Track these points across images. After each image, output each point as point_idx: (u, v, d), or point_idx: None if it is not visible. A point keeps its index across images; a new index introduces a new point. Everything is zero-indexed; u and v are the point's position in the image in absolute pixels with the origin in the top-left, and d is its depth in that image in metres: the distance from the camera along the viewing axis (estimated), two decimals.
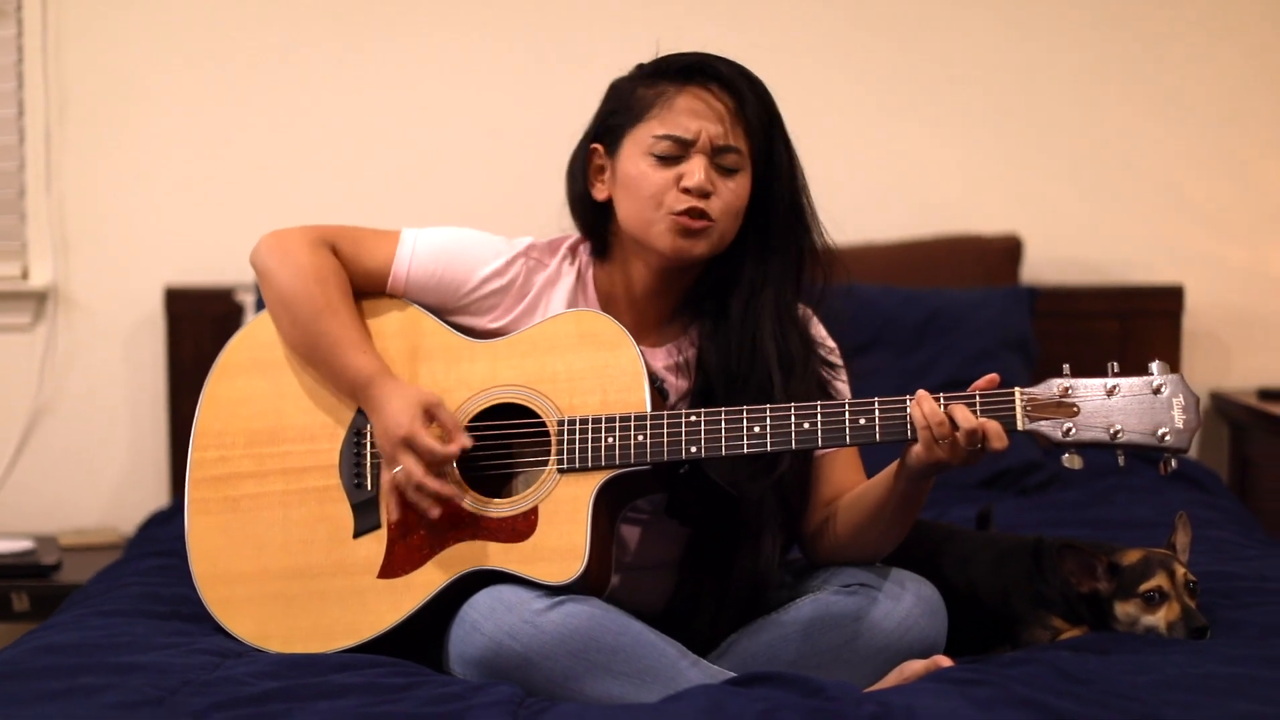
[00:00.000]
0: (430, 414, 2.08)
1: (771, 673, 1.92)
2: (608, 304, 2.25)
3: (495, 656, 1.97)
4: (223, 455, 2.24)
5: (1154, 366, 1.97)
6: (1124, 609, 2.11)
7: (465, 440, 2.08)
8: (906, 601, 2.09)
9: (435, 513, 2.06)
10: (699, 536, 2.20)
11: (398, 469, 2.07)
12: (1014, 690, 1.74)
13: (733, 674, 2.00)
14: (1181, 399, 1.94)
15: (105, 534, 3.53)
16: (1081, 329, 3.66)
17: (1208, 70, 3.79)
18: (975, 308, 3.41)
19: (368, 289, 2.25)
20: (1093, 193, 3.78)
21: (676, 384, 2.22)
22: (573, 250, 2.28)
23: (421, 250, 2.23)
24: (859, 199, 3.70)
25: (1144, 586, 2.10)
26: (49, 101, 3.70)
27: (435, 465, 2.06)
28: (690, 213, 2.11)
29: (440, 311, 2.24)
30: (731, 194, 2.13)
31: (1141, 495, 3.02)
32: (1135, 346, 3.64)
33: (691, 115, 2.12)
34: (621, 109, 2.18)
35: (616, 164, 2.17)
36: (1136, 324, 3.68)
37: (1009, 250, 3.63)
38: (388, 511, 2.11)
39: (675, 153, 2.12)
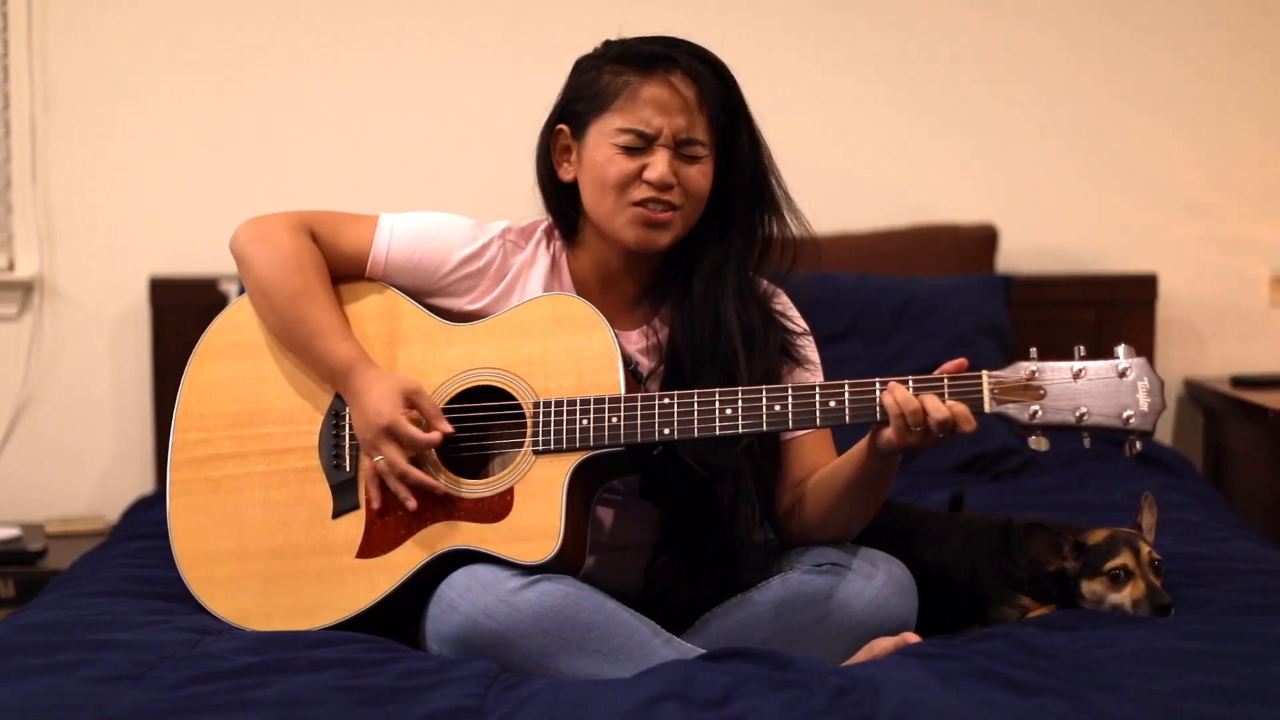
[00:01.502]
0: (411, 401, 2.11)
1: (743, 648, 1.95)
2: (581, 286, 2.28)
3: (471, 634, 2.00)
4: (204, 438, 2.26)
5: (1120, 350, 2.01)
6: (1090, 587, 2.15)
7: (445, 427, 2.11)
8: (878, 581, 2.12)
9: (413, 503, 2.10)
10: (674, 517, 2.24)
11: (379, 457, 2.11)
12: (977, 663, 1.78)
13: (704, 651, 2.03)
14: (1146, 382, 1.97)
15: (91, 521, 3.56)
16: (1057, 317, 3.68)
17: (1185, 59, 3.82)
18: (950, 295, 3.43)
19: (346, 273, 2.28)
20: (1068, 182, 3.81)
21: (649, 365, 2.25)
22: (548, 234, 2.32)
23: (399, 234, 2.26)
24: (835, 188, 3.71)
25: (1109, 565, 2.13)
26: (34, 94, 3.71)
27: (416, 452, 2.10)
28: (652, 203, 2.15)
29: (418, 294, 2.27)
30: (694, 181, 2.18)
31: (1115, 481, 3.06)
32: (1111, 335, 3.65)
33: (655, 108, 2.16)
34: (587, 96, 2.21)
35: (582, 150, 2.21)
36: (1112, 312, 3.71)
37: (984, 239, 3.65)
38: (367, 496, 2.15)
39: (639, 145, 2.16)
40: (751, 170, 2.22)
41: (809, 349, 2.31)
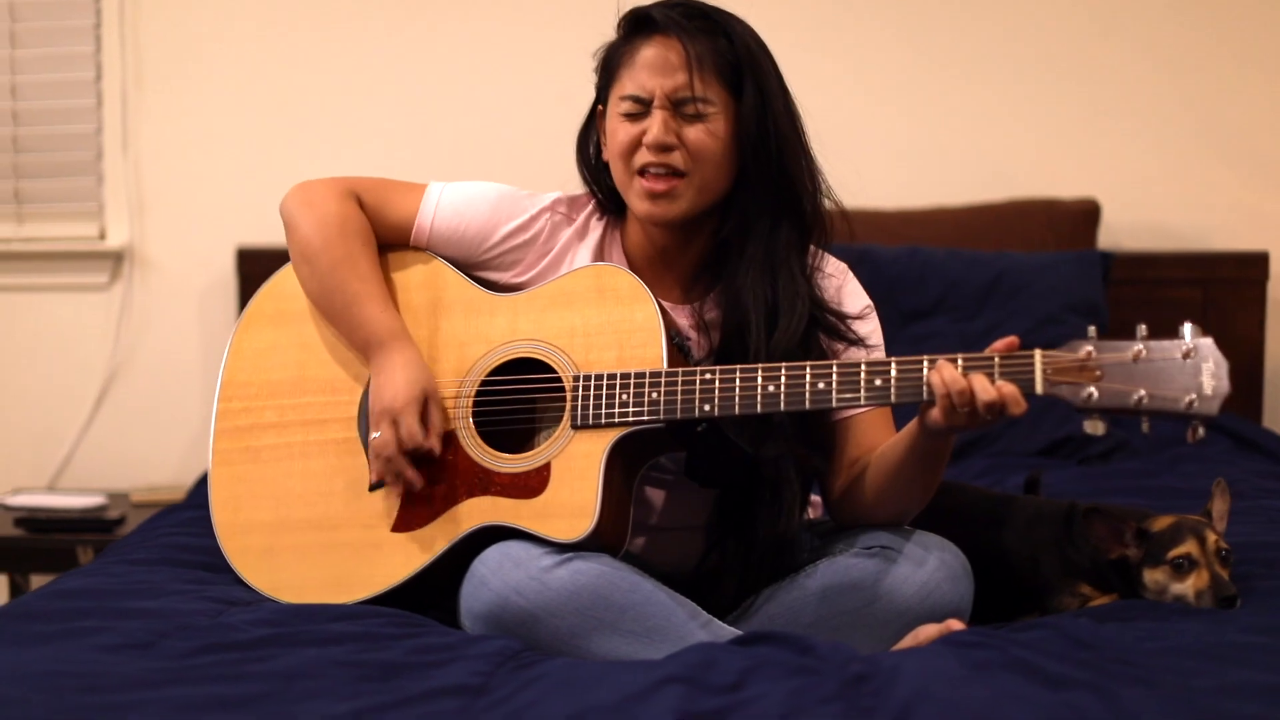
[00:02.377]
0: (427, 404, 2.09)
1: (774, 633, 1.88)
2: (634, 260, 2.22)
3: (502, 612, 1.96)
4: (246, 406, 2.25)
5: (1185, 329, 1.89)
6: (1152, 576, 2.04)
7: (438, 446, 2.08)
8: (929, 566, 2.04)
9: (396, 490, 2.08)
10: (725, 498, 2.17)
11: (376, 434, 2.08)
12: (1013, 654, 1.69)
13: (740, 634, 1.97)
14: (1211, 364, 1.85)
15: (175, 490, 3.58)
16: (1160, 296, 3.54)
17: None
18: (1042, 272, 3.32)
19: (393, 241, 2.25)
20: (1175, 156, 3.67)
21: (700, 342, 2.18)
22: (602, 207, 2.26)
23: (446, 204, 2.22)
24: (930, 162, 3.64)
25: (1173, 553, 2.02)
26: (125, 65, 3.76)
27: (409, 449, 2.07)
28: (651, 168, 2.09)
29: (464, 265, 2.23)
30: (699, 140, 2.09)
31: (1208, 466, 2.92)
32: (1217, 315, 3.52)
33: (649, 71, 2.09)
34: (604, 70, 2.18)
35: (605, 125, 2.17)
36: (1219, 292, 3.56)
37: (1085, 214, 3.53)
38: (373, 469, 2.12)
39: (638, 110, 2.10)
40: (757, 135, 2.11)
41: (865, 327, 2.21)
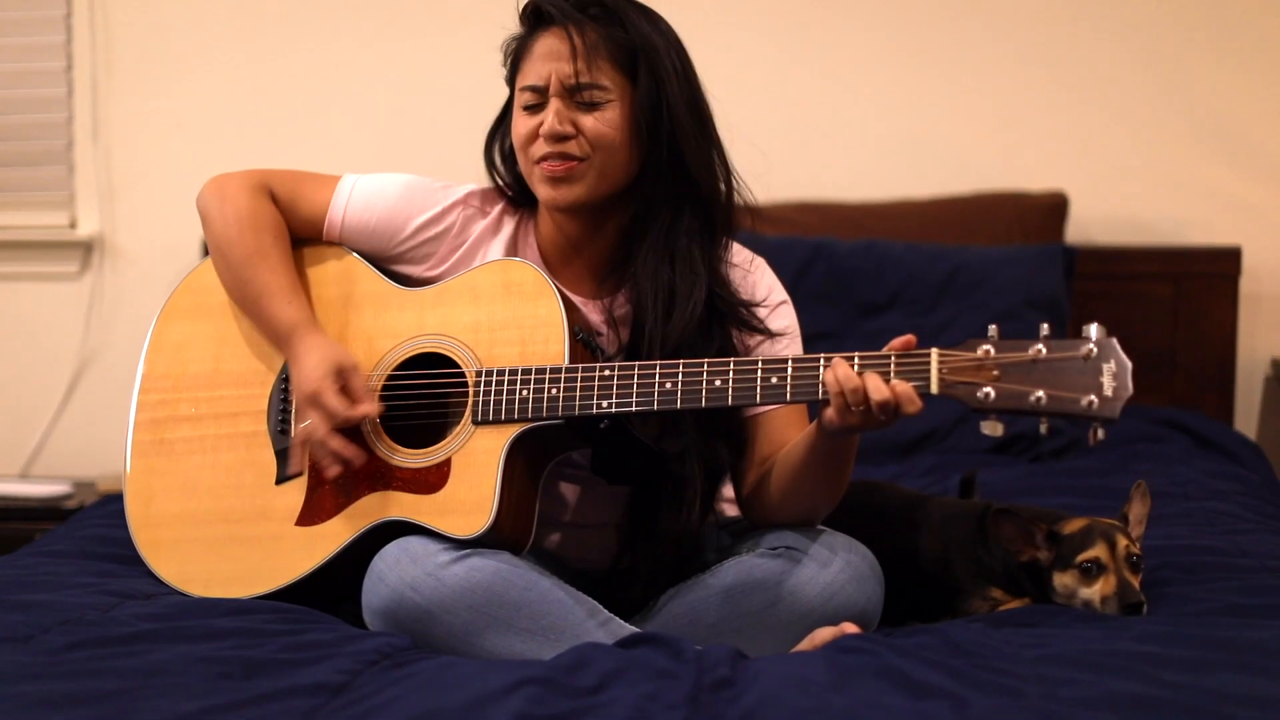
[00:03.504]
0: (342, 376, 2.06)
1: (656, 635, 1.86)
2: (545, 256, 2.21)
3: (397, 608, 1.94)
4: (163, 399, 2.24)
5: (1090, 330, 1.84)
6: (1062, 580, 2.01)
7: (371, 408, 2.06)
8: (834, 568, 2.01)
9: (333, 471, 2.05)
10: (636, 496, 2.15)
11: (307, 422, 2.06)
12: (886, 660, 1.65)
13: (638, 632, 1.95)
14: (1113, 365, 1.80)
15: None
16: (1131, 291, 3.49)
17: (1276, 8, 3.56)
18: (1002, 266, 3.27)
19: (305, 235, 2.24)
20: (1147, 148, 3.60)
21: (610, 338, 2.16)
22: (512, 204, 2.24)
23: (357, 198, 2.21)
24: (896, 154, 3.59)
25: (1081, 557, 1.99)
26: (96, 55, 3.78)
27: (339, 425, 2.05)
28: (549, 157, 2.08)
29: (378, 258, 2.22)
30: (593, 128, 2.08)
31: (1163, 465, 2.88)
32: (1189, 310, 3.48)
33: (542, 61, 2.09)
34: (510, 63, 2.18)
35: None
36: (1190, 286, 3.50)
37: (1053, 208, 3.47)
38: (298, 461, 2.11)
39: (536, 102, 2.10)
40: (650, 121, 2.08)
41: (778, 321, 2.18)
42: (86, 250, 3.79)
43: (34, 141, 3.81)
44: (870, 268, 3.27)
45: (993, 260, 3.28)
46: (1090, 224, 3.57)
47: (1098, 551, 1.98)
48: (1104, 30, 3.60)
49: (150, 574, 2.15)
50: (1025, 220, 3.44)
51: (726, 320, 2.12)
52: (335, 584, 2.09)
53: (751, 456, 2.15)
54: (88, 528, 2.45)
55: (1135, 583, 1.97)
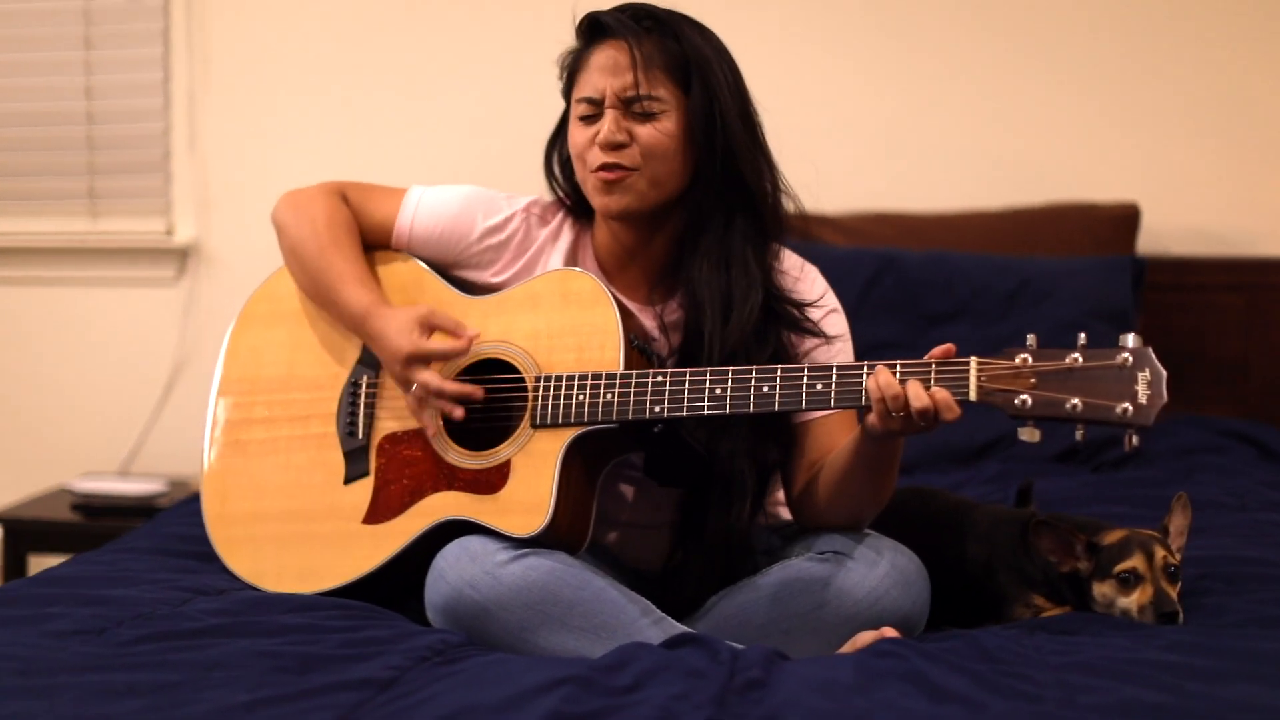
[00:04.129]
0: (427, 324, 2.15)
1: (700, 635, 1.92)
2: (602, 263, 2.28)
3: (456, 605, 2.01)
4: (239, 401, 2.35)
5: (1127, 339, 1.89)
6: (1101, 590, 2.04)
7: (471, 332, 2.15)
8: (879, 571, 2.05)
9: (459, 413, 2.11)
10: (688, 498, 2.21)
11: (414, 388, 2.14)
12: (913, 664, 1.70)
13: (688, 632, 2.00)
14: (1148, 373, 1.85)
15: None
16: (1203, 302, 3.48)
17: None
18: (1069, 277, 3.28)
19: (375, 243, 2.34)
20: (1220, 158, 3.59)
21: (664, 344, 2.23)
22: (571, 213, 2.32)
23: (425, 207, 2.30)
24: (969, 166, 3.61)
25: (1119, 567, 2.02)
26: (193, 67, 3.90)
27: (454, 355, 2.14)
28: (604, 166, 2.14)
29: (445, 266, 2.31)
30: (649, 137, 2.14)
31: (1224, 475, 2.88)
32: (1260, 322, 3.46)
33: (600, 73, 2.16)
34: (566, 76, 2.25)
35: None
36: (1263, 298, 3.48)
37: (1124, 219, 3.47)
38: (377, 463, 2.19)
39: (592, 113, 2.17)
40: (705, 131, 2.15)
41: (830, 326, 2.24)
42: (182, 257, 3.93)
43: (133, 151, 3.95)
44: (939, 279, 3.30)
45: (1061, 272, 3.30)
46: (1163, 235, 3.57)
47: (1135, 562, 2.01)
48: (1178, 42, 3.60)
49: (225, 570, 2.25)
50: (1095, 231, 3.44)
51: (782, 323, 2.18)
52: (402, 580, 2.17)
53: (801, 460, 2.20)
54: (170, 525, 2.55)
55: (1172, 593, 2.00)
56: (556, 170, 2.30)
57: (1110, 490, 2.80)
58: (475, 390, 2.12)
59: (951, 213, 3.56)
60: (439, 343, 2.14)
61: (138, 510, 3.49)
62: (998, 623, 2.12)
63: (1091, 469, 3.05)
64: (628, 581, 2.23)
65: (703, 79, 2.15)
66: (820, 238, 3.50)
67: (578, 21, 2.22)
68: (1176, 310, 3.41)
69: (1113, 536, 2.06)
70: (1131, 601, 2.00)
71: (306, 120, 3.91)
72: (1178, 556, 2.06)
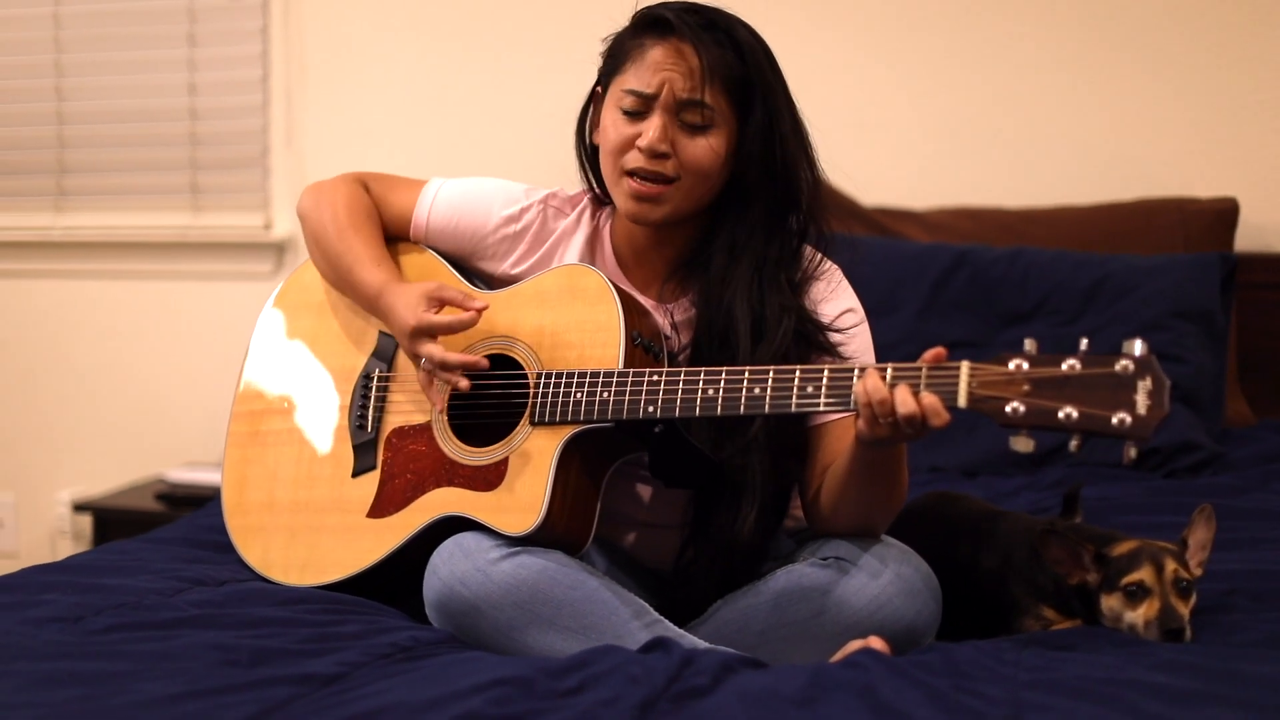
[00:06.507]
0: (436, 298, 2.14)
1: (676, 640, 1.88)
2: (619, 257, 2.25)
3: (448, 601, 2.00)
4: (261, 392, 2.37)
5: (1134, 345, 1.75)
6: (1108, 602, 1.95)
7: (480, 303, 2.13)
8: (883, 579, 1.99)
9: (464, 384, 2.10)
10: (698, 499, 2.17)
11: (424, 361, 2.14)
12: (871, 679, 1.63)
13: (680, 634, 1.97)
14: (1149, 382, 1.73)
15: None
16: None
17: None
18: (1151, 275, 3.13)
19: (393, 233, 2.35)
20: None
21: (677, 341, 2.19)
22: (595, 201, 2.29)
23: (442, 199, 2.30)
24: (1060, 161, 3.49)
25: (1126, 580, 1.92)
26: (290, 65, 3.96)
27: (462, 328, 2.12)
28: (641, 173, 2.09)
29: (462, 258, 2.30)
30: (695, 153, 2.09)
31: None
32: None
33: (657, 70, 2.08)
34: (610, 57, 2.18)
35: (601, 113, 2.18)
36: None
37: (1220, 215, 3.31)
38: (383, 457, 2.20)
39: (639, 108, 2.10)
40: (761, 154, 2.10)
41: (852, 342, 2.16)
42: (279, 251, 3.99)
43: (232, 147, 4.03)
44: (1015, 276, 3.18)
45: (1143, 269, 3.15)
46: (1265, 230, 3.40)
47: (1143, 575, 1.91)
48: (1274, 33, 3.43)
49: (240, 560, 2.28)
50: (1189, 227, 3.29)
51: (811, 348, 2.12)
52: (405, 575, 2.16)
53: (813, 465, 2.14)
54: (208, 516, 2.58)
55: (1181, 608, 1.89)
56: (585, 154, 2.26)
57: (1175, 498, 2.66)
58: (480, 360, 2.10)
59: (1038, 208, 3.44)
60: (445, 316, 2.12)
61: (192, 500, 3.56)
62: (1008, 633, 2.04)
63: (1164, 475, 2.92)
64: (645, 583, 2.20)
65: (765, 100, 2.10)
66: (901, 233, 3.41)
67: (635, 13, 2.16)
68: (1269, 310, 3.24)
69: (1123, 547, 1.96)
70: (1138, 616, 1.91)
71: (399, 116, 3.95)
72: (1196, 571, 1.95)
